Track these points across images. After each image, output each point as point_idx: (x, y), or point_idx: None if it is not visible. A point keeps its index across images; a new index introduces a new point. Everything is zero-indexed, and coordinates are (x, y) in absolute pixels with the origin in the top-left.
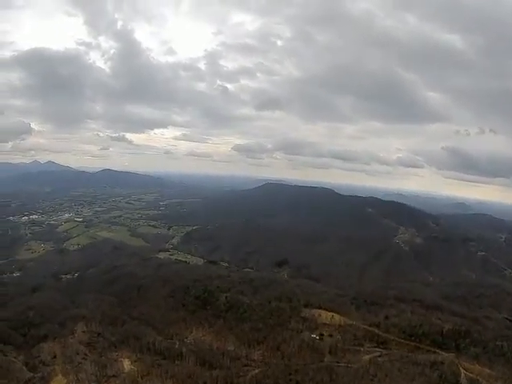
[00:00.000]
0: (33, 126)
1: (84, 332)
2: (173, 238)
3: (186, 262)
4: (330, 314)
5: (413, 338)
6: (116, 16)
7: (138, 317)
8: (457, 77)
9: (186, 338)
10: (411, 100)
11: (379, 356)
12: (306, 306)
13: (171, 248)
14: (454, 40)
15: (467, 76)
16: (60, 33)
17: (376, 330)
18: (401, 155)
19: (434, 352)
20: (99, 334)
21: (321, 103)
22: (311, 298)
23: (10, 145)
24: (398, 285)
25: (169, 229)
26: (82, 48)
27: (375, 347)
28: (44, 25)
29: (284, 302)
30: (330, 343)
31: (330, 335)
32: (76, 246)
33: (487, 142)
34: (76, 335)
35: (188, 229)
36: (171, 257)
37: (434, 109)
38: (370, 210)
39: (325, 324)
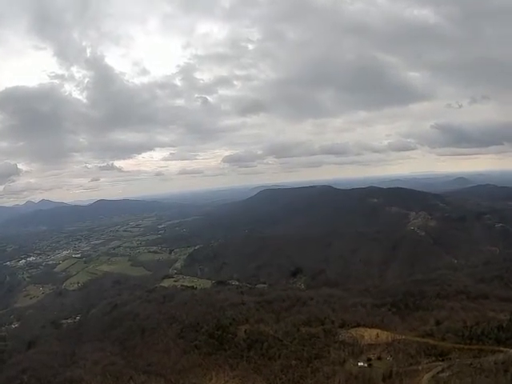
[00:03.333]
0: (20, 166)
1: None
2: (176, 261)
3: (192, 286)
4: (373, 330)
5: (473, 341)
6: (84, 43)
7: (145, 368)
8: (436, 52)
9: None
10: (393, 83)
11: (442, 371)
12: (341, 326)
13: (175, 273)
14: (426, 15)
15: (447, 49)
16: (32, 68)
17: (430, 341)
18: (391, 140)
19: (500, 351)
20: None
21: (303, 101)
22: (345, 315)
23: (1, 188)
24: (428, 277)
25: (170, 252)
26: (56, 81)
27: (434, 361)
28: (15, 62)
29: (315, 326)
30: (381, 369)
31: (379, 358)
32: (76, 285)
33: (477, 112)
34: None
35: (190, 250)
36: (176, 283)
37: (418, 88)
38: (374, 200)
39: (370, 345)
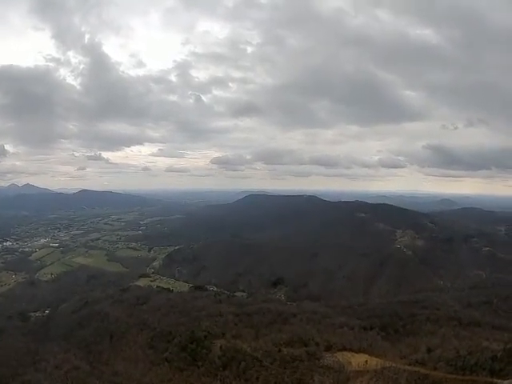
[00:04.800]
0: (7, 147)
1: None
2: (154, 260)
3: (168, 289)
4: (360, 355)
5: (466, 372)
6: (83, 29)
7: (111, 378)
8: (435, 73)
9: None
10: (388, 100)
11: None
12: (327, 349)
13: (152, 273)
14: (428, 35)
15: (446, 71)
16: (28, 49)
17: (422, 370)
18: (381, 157)
19: (493, 383)
20: None
21: (297, 109)
22: (331, 337)
23: None
24: (415, 298)
25: (149, 250)
26: (52, 64)
27: None
28: (12, 41)
29: (298, 347)
30: None
31: None
32: (49, 276)
33: (470, 136)
34: None
35: (170, 249)
36: (152, 283)
37: (413, 107)
38: (362, 214)
39: (357, 372)
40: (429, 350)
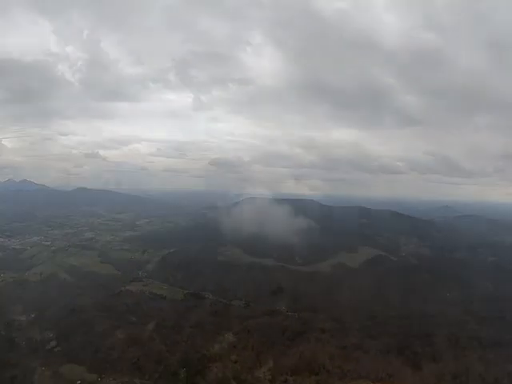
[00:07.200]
0: (5, 142)
1: None
2: (147, 263)
3: (161, 295)
4: None
5: None
6: (82, 25)
7: None
8: (437, 77)
9: None
10: (390, 104)
11: None
12: (341, 378)
13: (145, 276)
14: (430, 39)
15: (448, 75)
16: (28, 43)
17: None
18: (382, 162)
19: None
20: None
21: (297, 111)
22: (345, 363)
23: None
24: (427, 312)
25: (143, 252)
26: (51, 59)
27: None
28: (12, 34)
29: (306, 376)
30: None
31: None
32: (39, 276)
33: (469, 142)
34: None
35: (164, 252)
36: (144, 288)
37: (414, 112)
38: (364, 220)
39: None
40: (454, 378)
